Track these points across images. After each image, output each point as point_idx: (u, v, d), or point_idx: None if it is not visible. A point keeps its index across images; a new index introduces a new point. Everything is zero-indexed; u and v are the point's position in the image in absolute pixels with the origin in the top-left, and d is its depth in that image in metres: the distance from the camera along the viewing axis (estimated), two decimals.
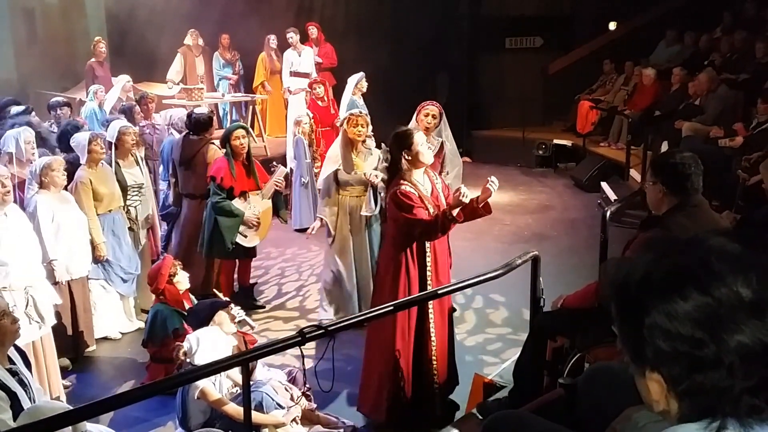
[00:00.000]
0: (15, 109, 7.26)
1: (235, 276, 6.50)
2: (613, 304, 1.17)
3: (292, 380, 4.50)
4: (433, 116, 5.61)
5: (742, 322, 1.03)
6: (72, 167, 5.68)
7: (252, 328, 5.13)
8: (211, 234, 6.05)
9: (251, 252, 6.31)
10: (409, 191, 4.14)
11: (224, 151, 6.14)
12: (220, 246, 6.04)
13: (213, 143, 6.63)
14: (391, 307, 3.74)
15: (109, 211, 5.86)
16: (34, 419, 3.02)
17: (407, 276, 4.25)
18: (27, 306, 4.53)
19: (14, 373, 3.63)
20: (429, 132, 5.52)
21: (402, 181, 4.18)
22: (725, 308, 1.04)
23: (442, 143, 5.72)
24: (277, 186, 6.23)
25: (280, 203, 6.42)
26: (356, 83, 8.84)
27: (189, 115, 6.82)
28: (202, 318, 4.45)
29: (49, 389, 4.60)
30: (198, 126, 6.62)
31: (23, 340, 4.25)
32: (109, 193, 5.84)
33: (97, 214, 5.73)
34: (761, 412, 1.04)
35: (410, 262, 4.26)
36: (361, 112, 5.83)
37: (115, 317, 6.00)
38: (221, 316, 4.47)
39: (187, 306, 5.14)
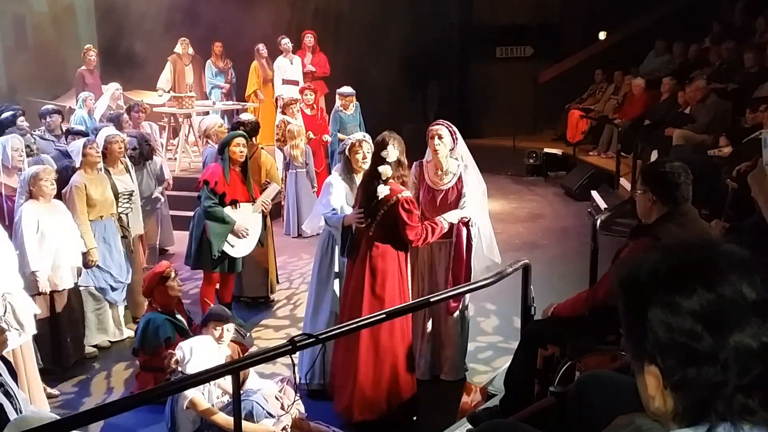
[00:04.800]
0: (4, 115, 7.21)
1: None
2: (620, 299, 1.19)
3: (283, 389, 4.47)
4: (440, 137, 4.94)
5: (744, 320, 1.05)
6: (62, 176, 5.65)
7: (243, 337, 5.11)
8: (199, 243, 5.88)
9: (235, 266, 6.07)
10: (412, 198, 4.44)
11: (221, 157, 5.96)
12: (208, 257, 5.86)
13: (263, 148, 6.86)
14: (384, 315, 3.74)
15: (101, 217, 5.82)
16: (20, 430, 2.99)
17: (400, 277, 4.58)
18: (5, 313, 4.45)
19: (0, 384, 3.60)
20: (439, 155, 4.94)
21: (401, 188, 4.45)
22: (728, 305, 1.06)
23: (460, 172, 5.06)
24: (263, 206, 6.09)
25: (262, 235, 6.13)
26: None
27: (238, 123, 6.73)
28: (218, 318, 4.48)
29: (29, 398, 4.53)
30: (247, 132, 6.49)
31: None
32: (102, 200, 5.82)
33: (89, 221, 5.69)
34: (753, 413, 1.05)
35: (402, 266, 4.57)
36: (364, 137, 5.09)
37: (104, 326, 5.95)
38: (225, 330, 4.43)
39: (179, 316, 5.10)
